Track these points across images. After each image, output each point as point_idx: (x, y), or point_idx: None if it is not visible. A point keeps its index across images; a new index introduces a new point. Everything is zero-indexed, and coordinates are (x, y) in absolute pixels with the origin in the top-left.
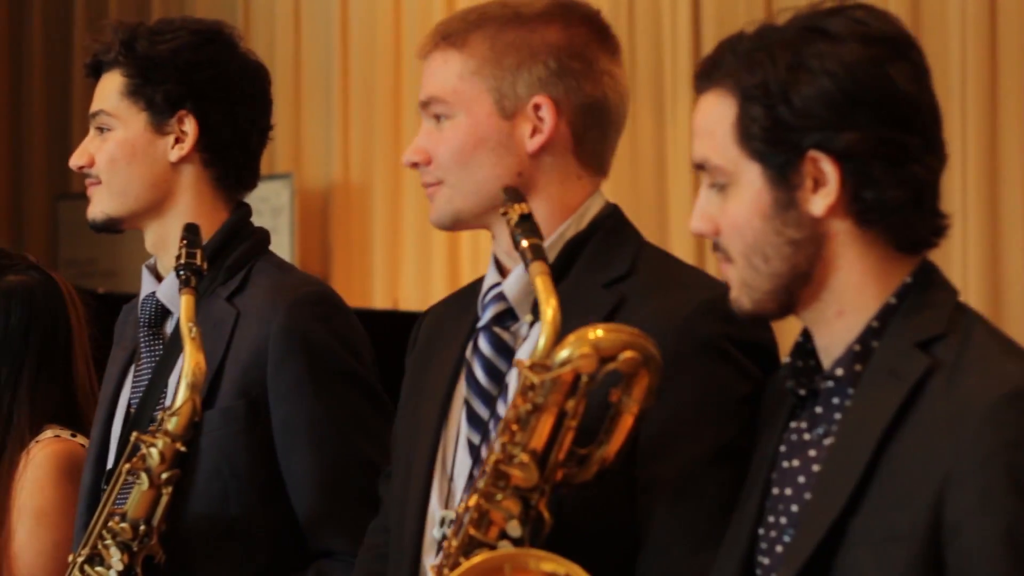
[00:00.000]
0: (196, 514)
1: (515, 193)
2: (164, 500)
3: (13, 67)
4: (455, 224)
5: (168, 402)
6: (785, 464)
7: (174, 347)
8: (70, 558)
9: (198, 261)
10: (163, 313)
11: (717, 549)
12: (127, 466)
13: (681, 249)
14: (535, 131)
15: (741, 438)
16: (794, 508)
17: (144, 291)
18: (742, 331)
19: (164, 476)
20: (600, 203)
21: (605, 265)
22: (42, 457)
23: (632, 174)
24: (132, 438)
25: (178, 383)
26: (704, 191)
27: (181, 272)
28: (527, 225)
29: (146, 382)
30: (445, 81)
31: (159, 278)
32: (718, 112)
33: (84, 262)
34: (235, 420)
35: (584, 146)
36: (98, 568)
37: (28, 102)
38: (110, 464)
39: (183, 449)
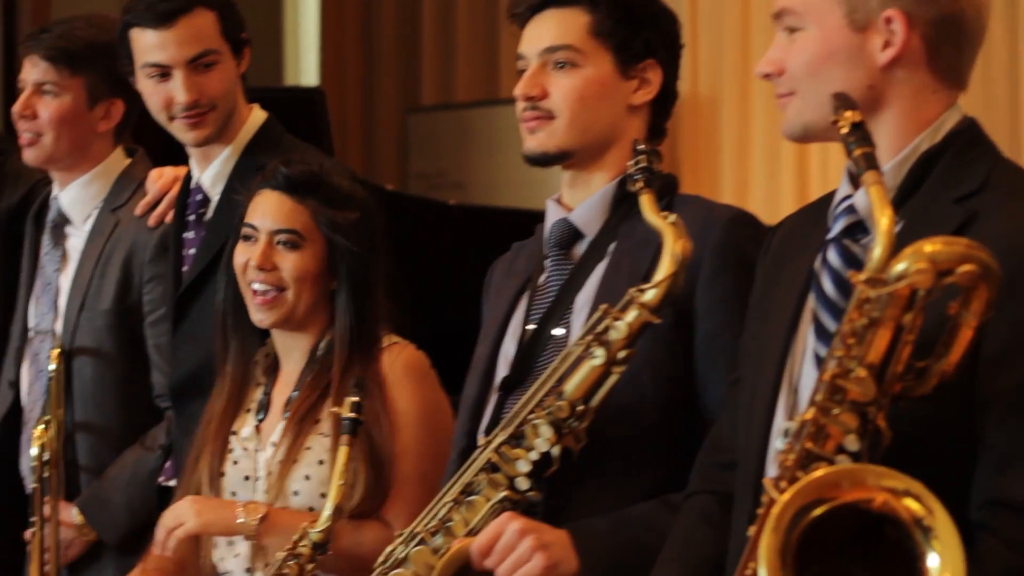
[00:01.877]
0: (612, 417)
1: (845, 100)
2: (611, 381)
3: None
4: (805, 136)
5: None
6: None
7: (585, 267)
8: (481, 440)
9: (654, 165)
10: (574, 236)
11: None
12: (588, 338)
13: None
14: (886, 44)
15: None
16: None
17: (551, 219)
18: None
19: (621, 354)
20: (956, 117)
21: (958, 180)
22: (402, 363)
23: (985, 90)
24: (599, 310)
25: (649, 268)
26: None
27: (638, 176)
28: (859, 133)
29: (550, 299)
30: None
31: (566, 208)
32: None
33: (434, 174)
34: (661, 329)
35: (938, 60)
36: (517, 449)
37: (379, 17)
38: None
39: (656, 321)
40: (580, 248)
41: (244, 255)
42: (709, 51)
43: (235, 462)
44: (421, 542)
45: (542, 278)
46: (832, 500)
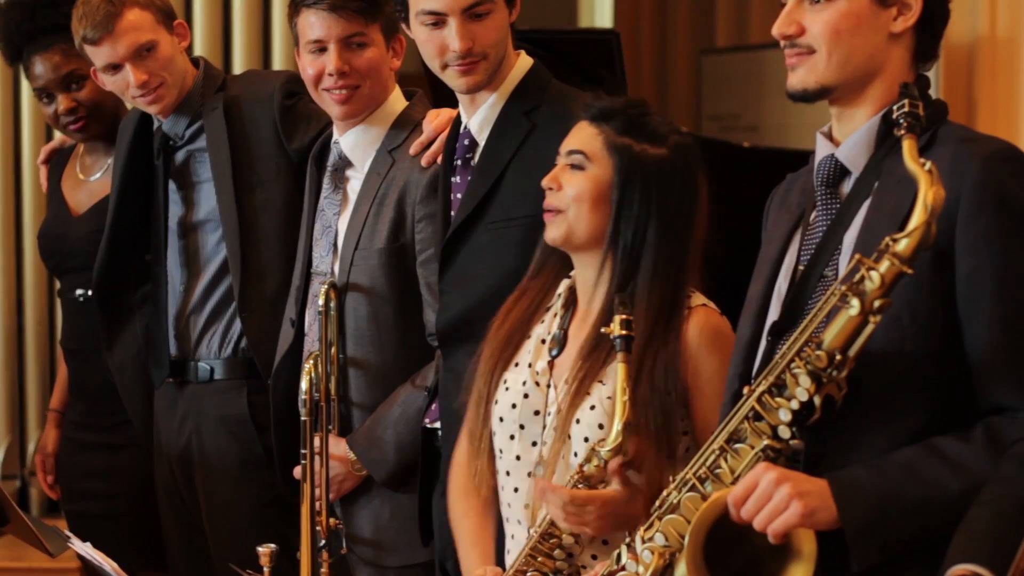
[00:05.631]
0: (872, 361)
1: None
2: (868, 330)
3: None
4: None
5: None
6: None
7: (852, 205)
8: (745, 389)
9: (920, 111)
10: (841, 173)
11: None
12: (842, 289)
13: None
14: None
15: None
16: None
17: (820, 154)
18: None
19: (877, 304)
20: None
21: None
22: (711, 330)
23: None
24: (853, 260)
25: (909, 210)
26: None
27: (902, 120)
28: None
29: (818, 238)
30: None
31: (834, 142)
32: None
33: (727, 116)
34: (920, 270)
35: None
36: (778, 398)
37: None
38: (768, 320)
39: (909, 272)
40: (847, 185)
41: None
42: None
43: (525, 395)
44: (692, 488)
45: (813, 215)
46: None
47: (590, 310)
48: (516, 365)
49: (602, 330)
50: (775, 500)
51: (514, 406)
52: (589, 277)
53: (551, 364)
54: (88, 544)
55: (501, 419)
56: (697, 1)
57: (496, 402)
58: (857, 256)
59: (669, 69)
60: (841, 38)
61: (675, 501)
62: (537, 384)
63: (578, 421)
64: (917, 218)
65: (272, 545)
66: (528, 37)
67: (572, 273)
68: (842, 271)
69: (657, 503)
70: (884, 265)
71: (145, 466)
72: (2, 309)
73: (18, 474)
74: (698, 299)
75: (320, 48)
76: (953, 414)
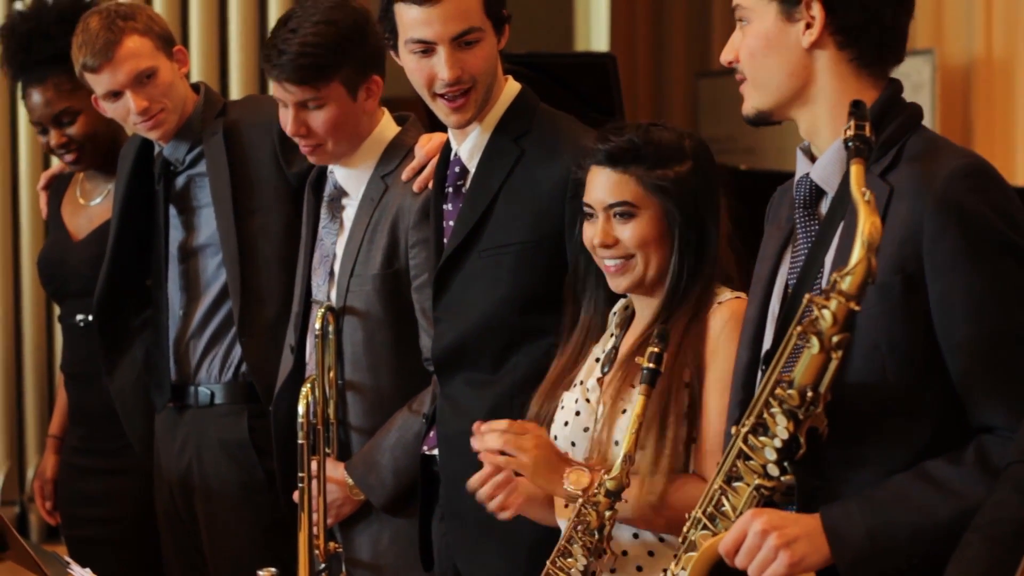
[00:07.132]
0: (854, 391)
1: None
2: (833, 366)
3: None
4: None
5: (820, 278)
6: None
7: (830, 226)
8: (733, 430)
9: (867, 133)
10: (818, 194)
11: None
12: (798, 329)
13: None
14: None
15: None
16: None
17: (799, 172)
18: None
19: (835, 339)
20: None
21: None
22: (733, 320)
23: None
24: (804, 300)
25: (852, 245)
26: None
27: (850, 144)
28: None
29: (802, 261)
30: None
31: (813, 159)
32: None
33: (724, 139)
34: (892, 296)
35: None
36: (762, 438)
37: None
38: (766, 344)
39: (857, 308)
40: (825, 205)
41: (589, 233)
42: (1003, 12)
43: (577, 412)
44: (704, 527)
45: (797, 234)
46: None
47: (640, 333)
48: (574, 385)
49: (636, 359)
50: (763, 552)
51: (566, 424)
52: (643, 302)
53: (600, 381)
54: (88, 570)
55: (556, 437)
56: (692, 25)
57: (554, 421)
58: (808, 296)
59: (665, 92)
60: (756, 60)
61: (693, 539)
62: (588, 401)
63: (617, 443)
64: (856, 255)
65: (273, 569)
66: (525, 61)
67: (629, 295)
68: None
69: (680, 539)
70: (833, 303)
71: (145, 491)
72: (1, 334)
73: (17, 500)
74: (730, 293)
75: (284, 104)
76: (945, 435)
